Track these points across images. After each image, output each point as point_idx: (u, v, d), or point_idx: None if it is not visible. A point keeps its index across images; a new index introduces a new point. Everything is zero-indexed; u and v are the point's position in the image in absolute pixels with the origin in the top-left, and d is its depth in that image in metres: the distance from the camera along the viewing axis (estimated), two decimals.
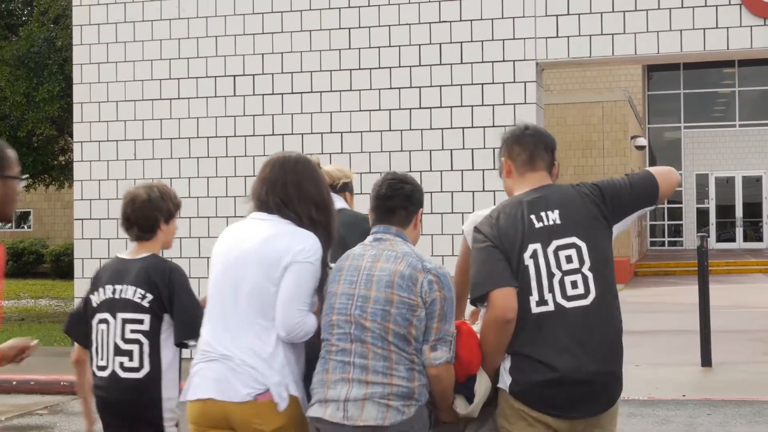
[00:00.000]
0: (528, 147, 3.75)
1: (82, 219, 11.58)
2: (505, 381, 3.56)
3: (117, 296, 4.06)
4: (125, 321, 4.02)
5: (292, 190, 3.67)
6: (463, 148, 10.33)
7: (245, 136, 11.00)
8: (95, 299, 4.13)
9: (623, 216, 3.71)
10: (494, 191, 10.05)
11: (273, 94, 10.92)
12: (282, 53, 10.88)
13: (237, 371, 3.52)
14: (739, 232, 34.63)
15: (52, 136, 17.25)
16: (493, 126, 10.21)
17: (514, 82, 10.23)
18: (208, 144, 11.11)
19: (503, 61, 10.26)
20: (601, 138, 28.07)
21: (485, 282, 3.52)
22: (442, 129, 10.40)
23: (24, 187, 18.19)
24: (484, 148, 10.26)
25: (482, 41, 10.32)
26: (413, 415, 3.45)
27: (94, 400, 4.16)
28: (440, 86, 10.41)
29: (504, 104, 10.23)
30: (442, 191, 10.34)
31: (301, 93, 10.81)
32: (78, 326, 4.23)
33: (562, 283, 3.52)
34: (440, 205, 10.28)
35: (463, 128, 10.34)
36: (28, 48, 16.08)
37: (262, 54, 10.94)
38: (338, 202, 4.53)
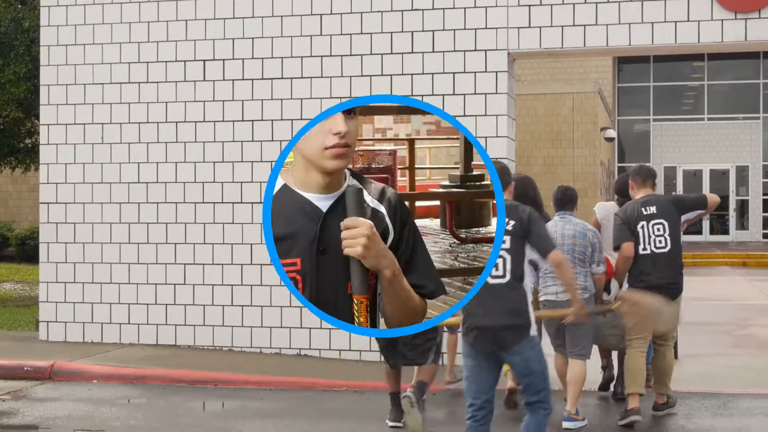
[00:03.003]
0: (641, 175, 7.97)
1: (48, 203, 11.44)
2: (629, 287, 7.73)
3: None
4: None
5: (531, 195, 7.42)
6: None
7: (214, 121, 10.90)
8: None
9: (686, 211, 7.81)
10: None
11: (243, 79, 10.82)
12: (253, 38, 10.78)
13: None
14: (706, 224, 34.91)
15: (18, 118, 16.97)
16: (464, 115, 10.19)
17: (486, 71, 10.21)
18: (177, 129, 11.01)
19: (475, 50, 10.24)
20: (570, 129, 28.16)
21: (618, 239, 7.73)
22: None
23: None
24: None
25: (454, 30, 10.28)
26: (588, 297, 7.43)
27: None
28: (412, 74, 10.37)
29: (475, 94, 10.21)
30: None
31: (272, 79, 10.73)
32: None
33: (654, 240, 7.64)
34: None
35: None
36: None
37: (233, 39, 10.84)
38: None
